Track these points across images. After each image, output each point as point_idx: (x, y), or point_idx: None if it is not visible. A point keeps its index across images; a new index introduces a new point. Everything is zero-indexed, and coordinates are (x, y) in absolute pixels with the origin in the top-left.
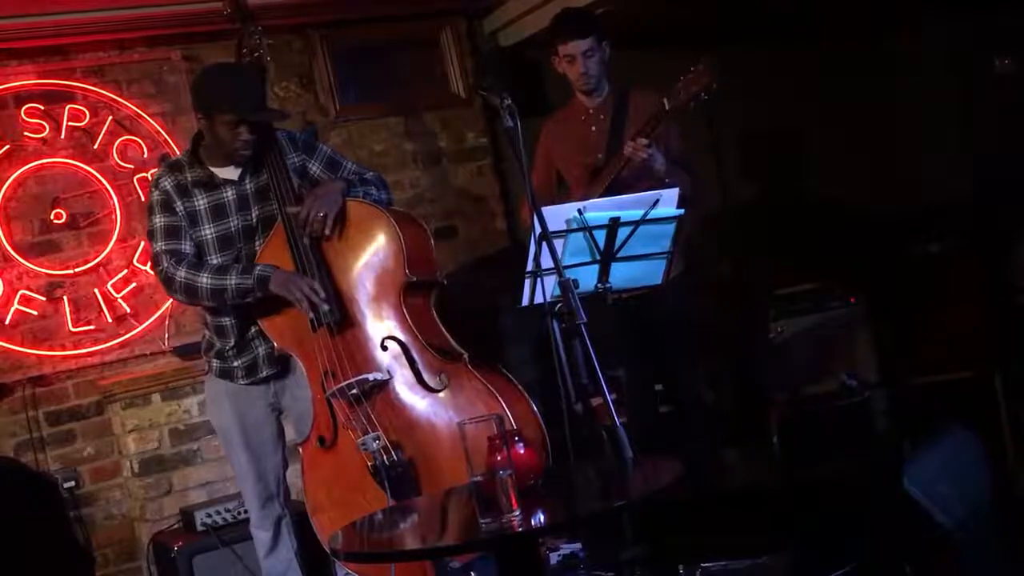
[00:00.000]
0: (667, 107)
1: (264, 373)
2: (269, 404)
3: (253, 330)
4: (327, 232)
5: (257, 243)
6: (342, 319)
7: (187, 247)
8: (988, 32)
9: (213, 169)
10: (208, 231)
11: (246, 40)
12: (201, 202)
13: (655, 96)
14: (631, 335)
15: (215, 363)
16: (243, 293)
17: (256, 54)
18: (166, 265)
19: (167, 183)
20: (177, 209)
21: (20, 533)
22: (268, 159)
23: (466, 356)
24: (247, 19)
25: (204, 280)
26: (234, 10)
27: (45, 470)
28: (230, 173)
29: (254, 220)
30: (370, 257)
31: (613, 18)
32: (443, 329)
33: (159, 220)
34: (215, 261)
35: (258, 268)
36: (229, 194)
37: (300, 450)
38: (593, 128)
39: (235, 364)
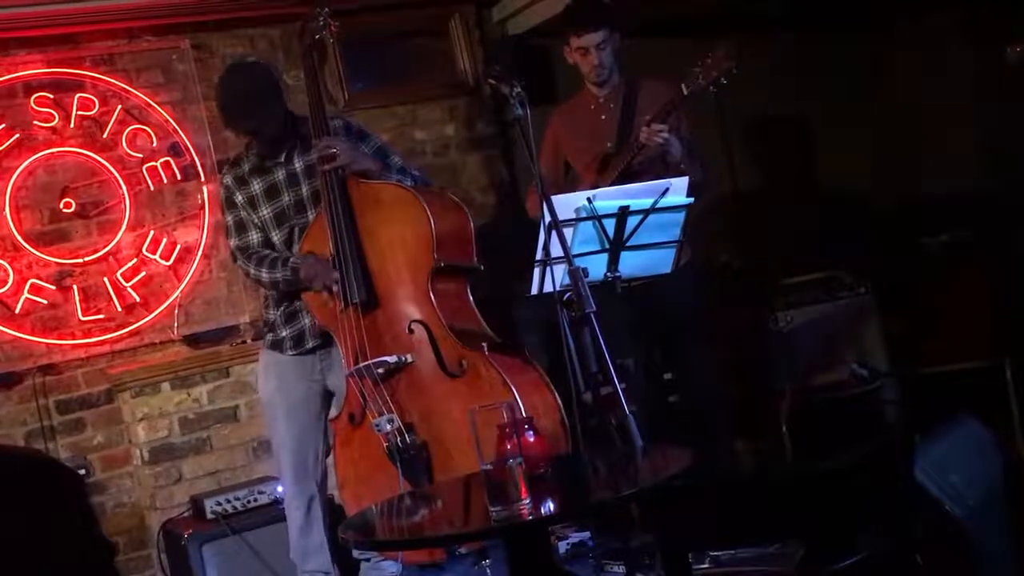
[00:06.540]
0: (685, 92)
1: (310, 344)
2: (315, 380)
3: (300, 302)
4: (335, 165)
5: (310, 215)
6: (372, 300)
7: (254, 237)
8: (994, 22)
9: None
10: (266, 211)
11: (310, 24)
12: (257, 187)
13: (665, 85)
14: (640, 323)
15: (268, 335)
16: (289, 283)
17: (317, 36)
18: (240, 262)
19: (228, 179)
20: (237, 201)
21: (45, 524)
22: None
23: (486, 344)
24: (317, 2)
25: (264, 275)
26: None
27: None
28: (279, 155)
29: (304, 195)
30: (400, 240)
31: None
32: (477, 315)
33: (228, 218)
34: (275, 238)
35: (292, 260)
36: (280, 174)
37: (332, 427)
38: (603, 117)
39: (283, 334)
